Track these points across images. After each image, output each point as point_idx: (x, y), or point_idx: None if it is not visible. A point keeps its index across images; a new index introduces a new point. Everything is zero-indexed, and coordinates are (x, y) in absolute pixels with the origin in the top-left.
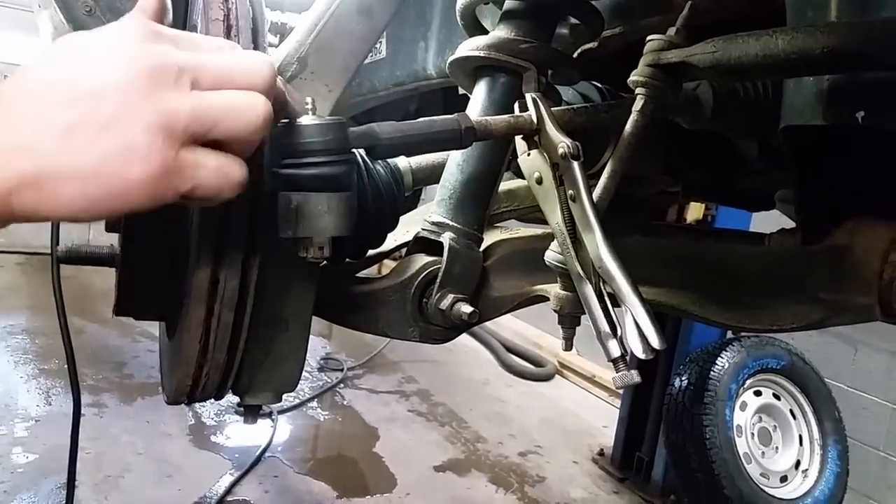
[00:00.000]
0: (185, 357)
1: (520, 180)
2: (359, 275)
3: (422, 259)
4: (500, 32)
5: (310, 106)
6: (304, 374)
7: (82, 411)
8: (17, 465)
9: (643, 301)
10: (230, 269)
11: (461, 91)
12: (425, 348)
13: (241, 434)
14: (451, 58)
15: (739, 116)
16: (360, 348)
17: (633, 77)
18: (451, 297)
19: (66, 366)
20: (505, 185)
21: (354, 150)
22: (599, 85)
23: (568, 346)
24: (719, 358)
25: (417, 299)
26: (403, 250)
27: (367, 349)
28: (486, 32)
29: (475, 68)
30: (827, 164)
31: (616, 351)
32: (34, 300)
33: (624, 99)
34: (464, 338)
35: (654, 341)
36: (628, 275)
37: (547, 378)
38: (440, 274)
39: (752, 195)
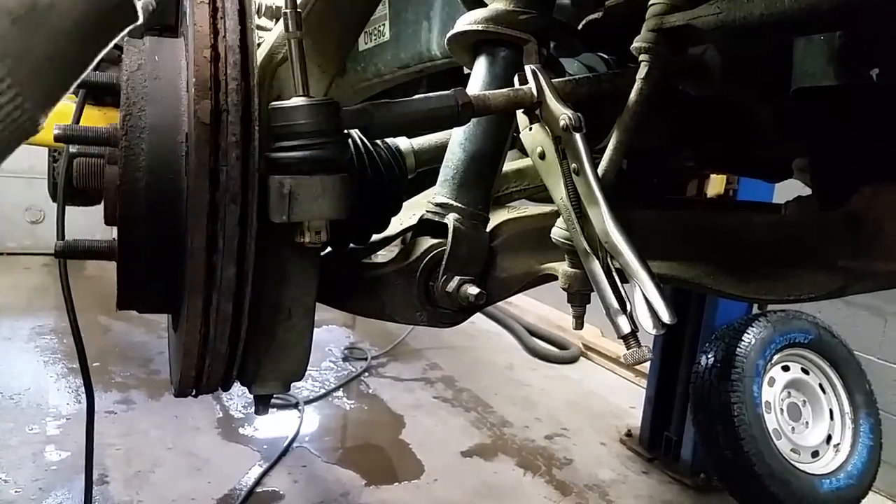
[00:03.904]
0: (186, 348)
1: (528, 159)
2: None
3: (427, 242)
4: (498, 4)
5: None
6: (329, 364)
7: (112, 408)
8: (50, 462)
9: (652, 275)
10: (226, 256)
11: (466, 70)
12: (448, 335)
13: (269, 425)
14: (450, 33)
15: (750, 81)
16: (384, 337)
17: (636, 43)
18: (457, 279)
19: (94, 364)
20: (513, 164)
21: (352, 132)
22: (606, 56)
23: (578, 325)
24: (745, 334)
25: (423, 283)
26: (409, 234)
27: (391, 338)
28: (486, 6)
29: (474, 43)
30: (842, 127)
31: (626, 327)
32: (61, 300)
33: (628, 67)
34: (487, 323)
35: (665, 316)
36: (636, 249)
37: (571, 361)
38: (445, 256)
39: (769, 164)
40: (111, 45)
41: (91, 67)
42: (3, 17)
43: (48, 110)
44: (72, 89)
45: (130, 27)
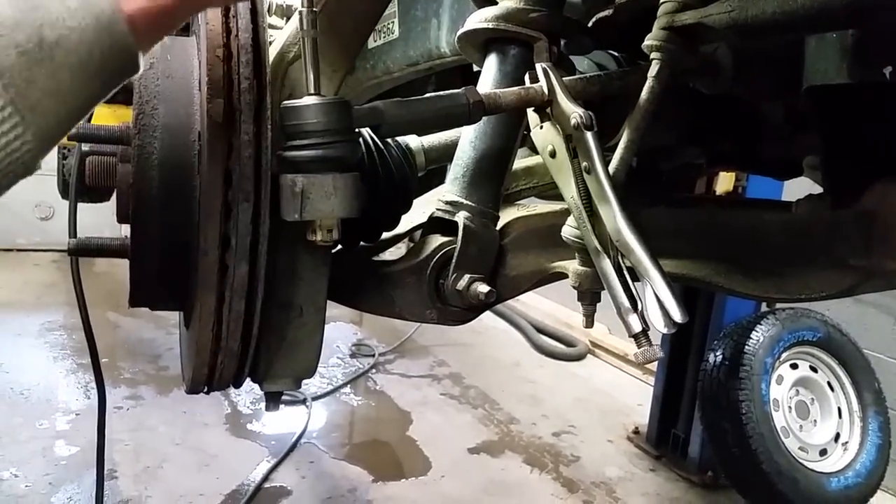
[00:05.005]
0: (199, 346)
1: (538, 157)
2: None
3: (437, 240)
4: (508, 2)
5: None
6: (336, 360)
7: (121, 404)
8: (60, 457)
9: (663, 274)
10: (238, 254)
11: (476, 68)
12: (455, 331)
13: (277, 421)
14: (460, 31)
15: (762, 79)
16: (391, 334)
17: (648, 41)
18: (467, 277)
19: (103, 360)
20: (523, 162)
21: (362, 131)
22: (616, 54)
23: (589, 323)
24: (754, 332)
25: (434, 281)
26: (419, 232)
27: (398, 334)
28: (496, 4)
29: (485, 41)
30: (854, 125)
31: (637, 326)
32: (70, 297)
33: (639, 65)
34: (494, 320)
35: (676, 315)
36: (647, 247)
37: (579, 358)
38: (455, 254)
39: (779, 162)
40: (110, 93)
41: (89, 112)
42: (11, 49)
43: (45, 150)
44: (70, 130)
45: (129, 77)
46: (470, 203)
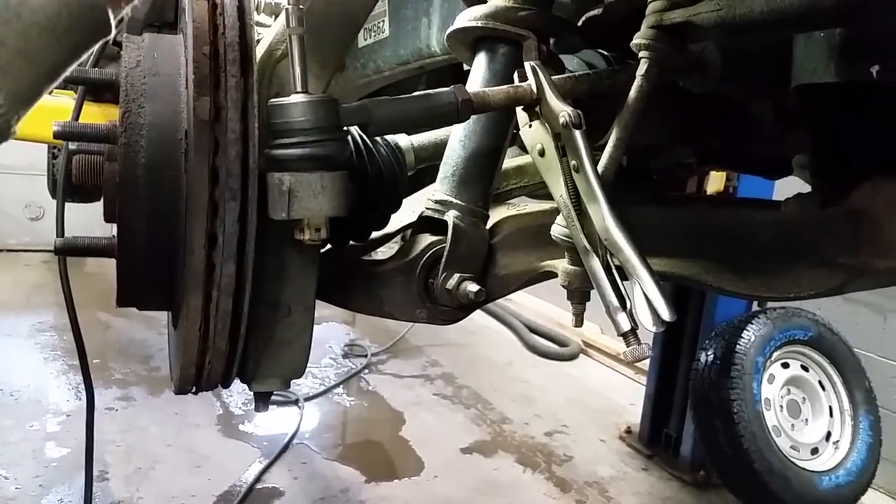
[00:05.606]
0: (186, 346)
1: (528, 156)
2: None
3: (426, 239)
4: (498, 1)
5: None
6: (329, 360)
7: (112, 405)
8: (51, 459)
9: (652, 273)
10: (225, 253)
11: (466, 67)
12: (447, 332)
13: (269, 422)
14: (449, 30)
15: (750, 77)
16: (384, 334)
17: (636, 40)
18: (457, 276)
19: (94, 361)
20: (513, 161)
21: (351, 130)
22: (605, 53)
23: (578, 322)
24: (745, 331)
25: (423, 280)
26: (409, 231)
27: (391, 335)
28: (486, 2)
29: (474, 40)
30: (843, 124)
31: (626, 325)
32: (61, 297)
33: (628, 64)
34: (486, 320)
35: (665, 313)
36: (636, 246)
37: (571, 358)
38: (445, 253)
39: (769, 161)
40: (83, 55)
41: (62, 76)
42: None
43: (20, 113)
44: (43, 94)
45: (102, 40)
46: (459, 202)
